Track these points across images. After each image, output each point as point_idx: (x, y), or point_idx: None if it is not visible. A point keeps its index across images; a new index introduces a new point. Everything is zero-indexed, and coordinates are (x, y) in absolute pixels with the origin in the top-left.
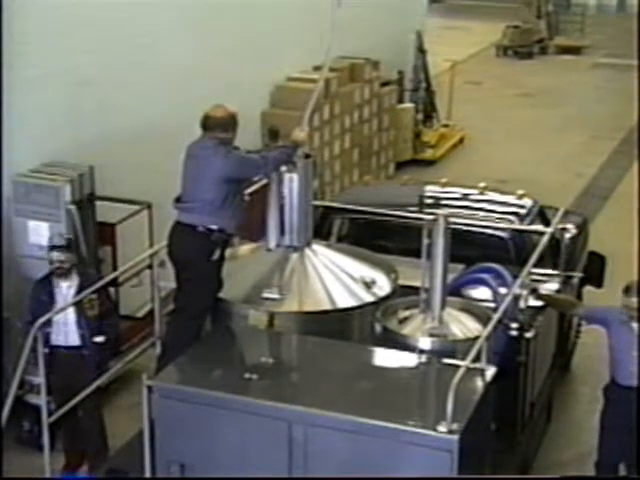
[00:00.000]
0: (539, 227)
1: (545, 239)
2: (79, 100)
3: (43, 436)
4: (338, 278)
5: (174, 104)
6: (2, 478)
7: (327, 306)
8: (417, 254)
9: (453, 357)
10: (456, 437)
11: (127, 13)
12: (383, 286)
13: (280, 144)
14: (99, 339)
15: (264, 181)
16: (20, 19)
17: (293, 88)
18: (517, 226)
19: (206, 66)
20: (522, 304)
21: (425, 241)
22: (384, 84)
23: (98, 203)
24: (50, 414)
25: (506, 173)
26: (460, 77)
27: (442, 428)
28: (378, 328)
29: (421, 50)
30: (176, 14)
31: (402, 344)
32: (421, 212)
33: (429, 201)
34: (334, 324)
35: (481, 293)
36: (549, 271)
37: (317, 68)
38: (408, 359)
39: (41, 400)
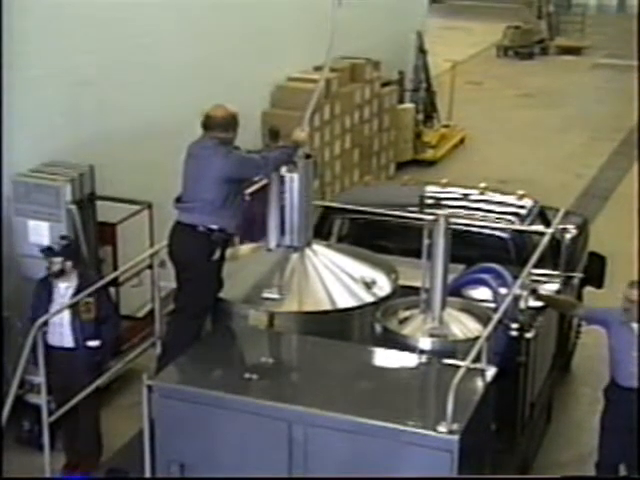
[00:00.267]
0: (539, 228)
1: (545, 239)
2: (79, 100)
3: (43, 435)
4: (338, 278)
5: (174, 104)
6: (2, 478)
7: (327, 306)
8: (417, 254)
9: (453, 357)
10: (456, 437)
11: (127, 13)
12: (383, 286)
13: (281, 144)
14: (93, 343)
15: (264, 181)
16: (20, 18)
17: (294, 88)
18: (517, 226)
19: (206, 66)
20: (522, 304)
21: (425, 241)
22: (385, 84)
23: (98, 203)
24: (50, 414)
25: (506, 173)
26: (461, 77)
27: (442, 428)
28: (378, 328)
29: (422, 50)
30: (176, 14)
31: (402, 344)
32: (421, 212)
33: (429, 201)
34: (334, 324)
35: (481, 293)
36: (549, 272)
37: (318, 68)
38: (408, 359)
39: (41, 400)
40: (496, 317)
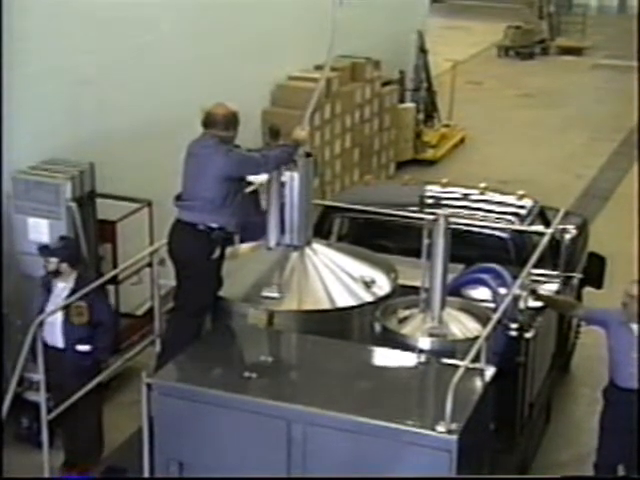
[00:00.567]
0: (539, 228)
1: (545, 240)
2: (80, 98)
3: (42, 433)
4: (338, 277)
5: (175, 102)
6: (2, 478)
7: (327, 305)
8: (417, 254)
9: (452, 357)
10: (455, 437)
11: (127, 12)
12: (383, 286)
13: (281, 143)
14: (82, 348)
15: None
16: (20, 17)
17: (294, 87)
18: (517, 226)
19: (207, 64)
20: (522, 305)
21: (425, 241)
22: (385, 84)
23: (98, 201)
24: (49, 411)
25: (507, 173)
26: (461, 77)
27: (441, 428)
28: (378, 328)
29: (422, 50)
30: (176, 12)
31: (401, 344)
32: (421, 212)
33: (429, 201)
34: (334, 323)
35: (481, 293)
36: (549, 272)
37: (318, 67)
38: (407, 359)
39: (40, 397)
40: (495, 317)
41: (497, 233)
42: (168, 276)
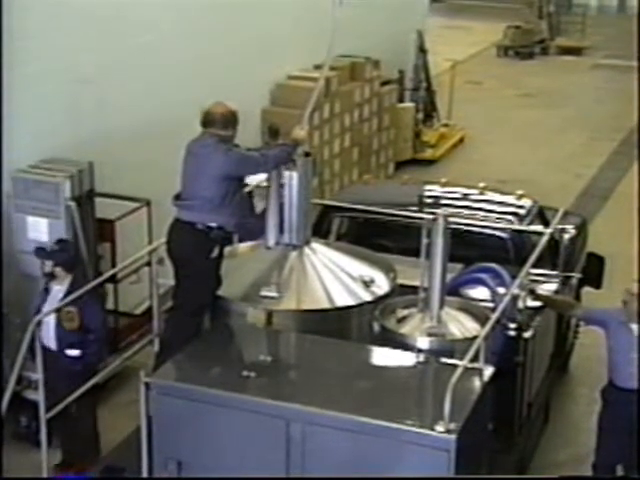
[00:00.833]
0: (538, 227)
1: (544, 240)
2: (79, 97)
3: (41, 432)
4: (337, 277)
5: (174, 101)
6: (2, 477)
7: (325, 305)
8: (416, 253)
9: (451, 357)
10: (453, 437)
11: (127, 11)
12: (382, 285)
13: (280, 142)
14: (72, 352)
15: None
16: (20, 16)
17: (293, 86)
18: (516, 226)
19: (206, 64)
20: (520, 304)
21: (424, 240)
22: (384, 83)
23: (97, 200)
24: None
25: (506, 173)
26: (461, 77)
27: (440, 428)
28: (376, 327)
29: (422, 49)
30: (176, 12)
31: (400, 343)
32: (421, 211)
33: (429, 201)
34: (332, 323)
35: (480, 293)
36: (548, 272)
37: (318, 67)
38: (406, 358)
39: (39, 396)
40: (494, 317)
41: (496, 233)
42: (167, 275)
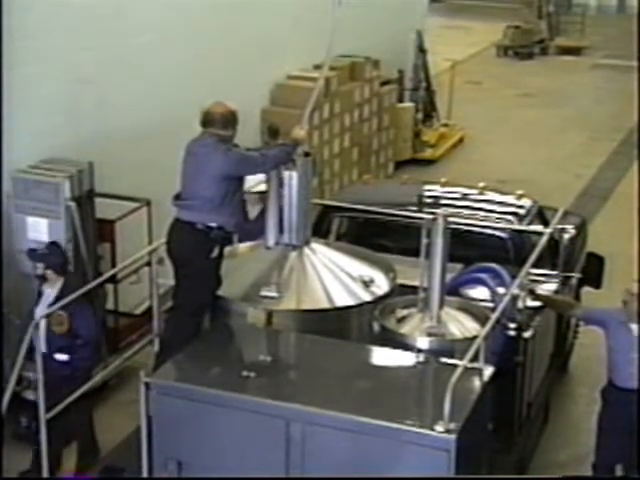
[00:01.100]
0: (538, 227)
1: (544, 239)
2: (79, 97)
3: (40, 432)
4: (337, 277)
5: (174, 101)
6: (2, 477)
7: (325, 305)
8: (416, 253)
9: (451, 357)
10: (453, 437)
11: (127, 11)
12: (381, 285)
13: (280, 142)
14: (60, 357)
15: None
16: (20, 16)
17: (293, 86)
18: (516, 226)
19: (206, 64)
20: (520, 304)
21: (424, 240)
22: (384, 83)
23: (97, 200)
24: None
25: (505, 173)
26: (460, 77)
27: (439, 427)
28: (376, 327)
29: (421, 49)
30: (176, 12)
31: (400, 343)
32: (420, 211)
33: (428, 200)
34: (332, 323)
35: (479, 293)
36: (547, 272)
37: (317, 66)
38: (406, 358)
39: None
40: (494, 317)
41: (496, 233)
42: (167, 275)
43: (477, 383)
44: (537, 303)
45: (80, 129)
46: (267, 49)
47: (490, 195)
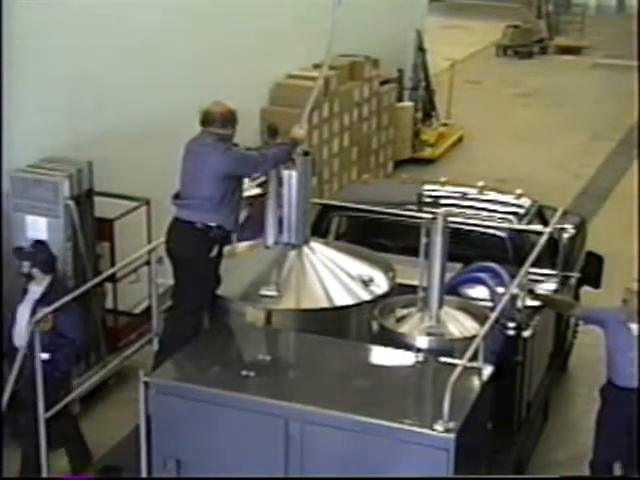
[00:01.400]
0: (537, 227)
1: (543, 239)
2: (78, 96)
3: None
4: (336, 276)
5: (174, 101)
6: (2, 477)
7: (325, 304)
8: (415, 253)
9: (450, 356)
10: (452, 436)
11: (127, 10)
12: (381, 284)
13: (279, 141)
14: (43, 355)
15: (263, 179)
16: (20, 15)
17: (293, 86)
18: (515, 226)
19: (206, 63)
20: (519, 304)
21: (423, 240)
22: (384, 82)
23: (96, 199)
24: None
25: (505, 172)
26: (460, 76)
27: (439, 427)
28: (375, 326)
29: (421, 49)
30: (176, 11)
31: (399, 342)
32: (419, 211)
33: (428, 200)
34: (331, 322)
35: (479, 292)
36: (547, 271)
37: (317, 66)
38: (405, 358)
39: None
40: (493, 316)
41: (495, 232)
42: (166, 275)
43: (476, 382)
44: (536, 303)
45: (79, 128)
46: (267, 48)
47: (489, 194)
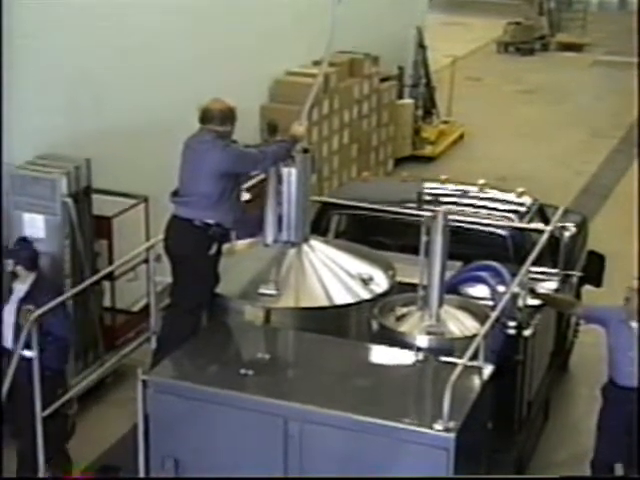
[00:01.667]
0: (538, 225)
1: (544, 237)
2: (77, 94)
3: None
4: (335, 274)
5: (173, 98)
6: (2, 477)
7: (324, 302)
8: (415, 251)
9: (450, 355)
10: (452, 435)
11: (126, 7)
12: (380, 283)
13: (279, 138)
14: (27, 353)
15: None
16: (18, 12)
17: (292, 82)
18: (516, 224)
19: (205, 60)
20: (520, 302)
21: (423, 238)
22: (384, 79)
23: (94, 196)
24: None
25: (506, 170)
26: (460, 73)
27: (439, 426)
28: (375, 325)
29: (421, 46)
30: (175, 9)
31: (399, 341)
32: (420, 209)
33: (428, 198)
34: (331, 321)
35: (479, 291)
36: (548, 270)
37: (316, 63)
38: (405, 357)
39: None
40: (494, 315)
41: (496, 230)
42: (164, 272)
43: (477, 382)
44: (537, 301)
45: (78, 125)
46: (266, 45)
47: (490, 192)
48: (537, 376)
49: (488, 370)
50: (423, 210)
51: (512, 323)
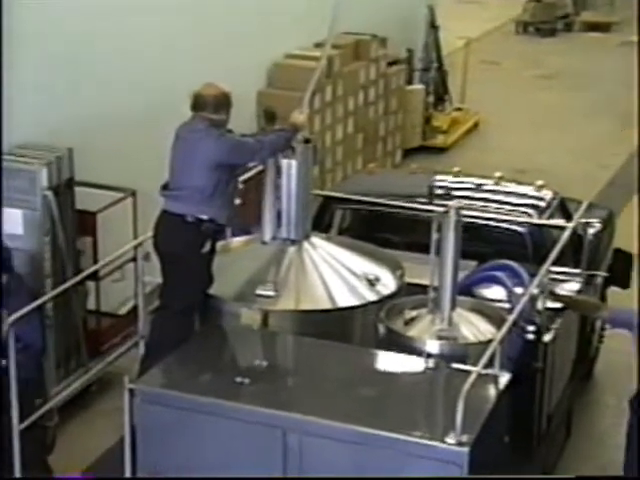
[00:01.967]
0: (560, 221)
1: (566, 235)
2: (58, 79)
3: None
4: (339, 274)
5: (162, 84)
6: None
7: (326, 305)
8: (425, 249)
9: (463, 362)
10: (466, 449)
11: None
12: (388, 284)
13: (277, 127)
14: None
15: (259, 168)
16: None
17: (292, 66)
18: (536, 220)
19: (198, 42)
20: (540, 305)
21: (434, 235)
22: (392, 63)
23: (77, 189)
24: None
25: (524, 162)
26: (475, 56)
27: (451, 439)
28: (382, 329)
29: (433, 26)
30: None
31: (408, 347)
32: (430, 204)
33: (439, 192)
34: (334, 324)
35: (495, 293)
36: (570, 270)
37: (319, 45)
38: (414, 363)
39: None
40: (511, 318)
41: (513, 227)
42: (153, 272)
43: (492, 391)
44: (558, 304)
45: (61, 112)
46: (264, 26)
47: (507, 186)
48: (558, 385)
49: (505, 379)
50: (434, 205)
51: (531, 327)
